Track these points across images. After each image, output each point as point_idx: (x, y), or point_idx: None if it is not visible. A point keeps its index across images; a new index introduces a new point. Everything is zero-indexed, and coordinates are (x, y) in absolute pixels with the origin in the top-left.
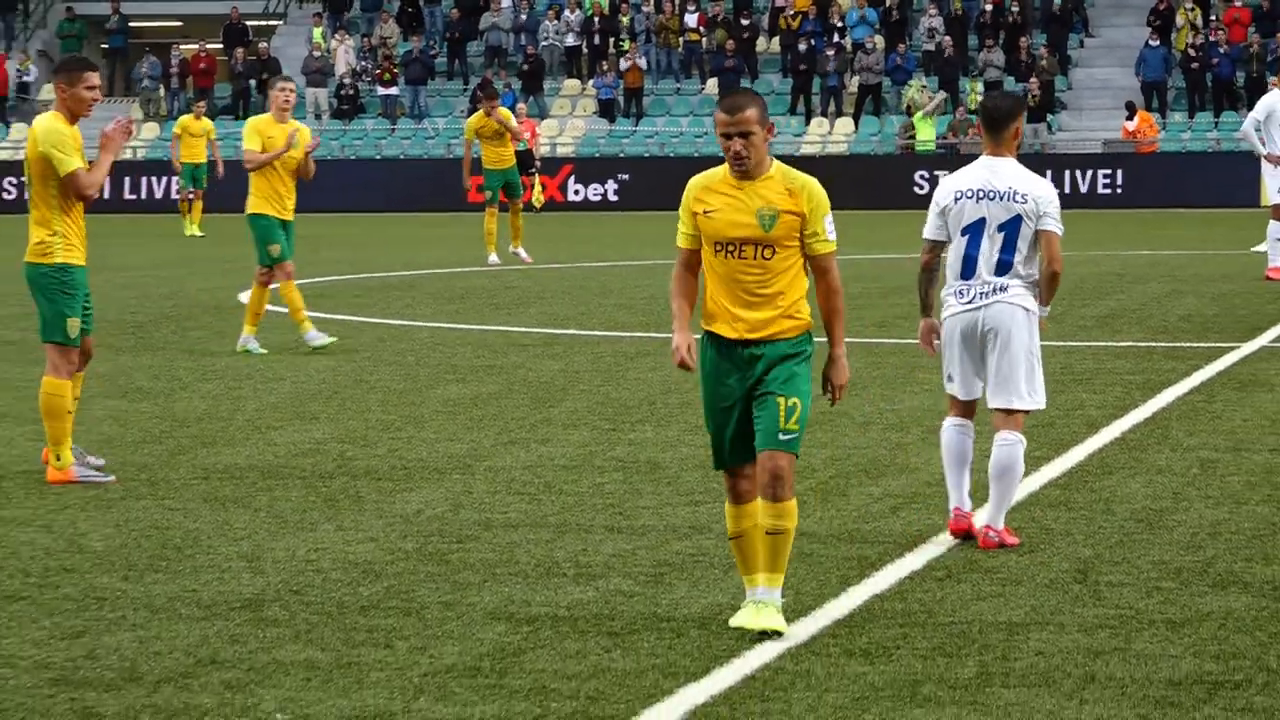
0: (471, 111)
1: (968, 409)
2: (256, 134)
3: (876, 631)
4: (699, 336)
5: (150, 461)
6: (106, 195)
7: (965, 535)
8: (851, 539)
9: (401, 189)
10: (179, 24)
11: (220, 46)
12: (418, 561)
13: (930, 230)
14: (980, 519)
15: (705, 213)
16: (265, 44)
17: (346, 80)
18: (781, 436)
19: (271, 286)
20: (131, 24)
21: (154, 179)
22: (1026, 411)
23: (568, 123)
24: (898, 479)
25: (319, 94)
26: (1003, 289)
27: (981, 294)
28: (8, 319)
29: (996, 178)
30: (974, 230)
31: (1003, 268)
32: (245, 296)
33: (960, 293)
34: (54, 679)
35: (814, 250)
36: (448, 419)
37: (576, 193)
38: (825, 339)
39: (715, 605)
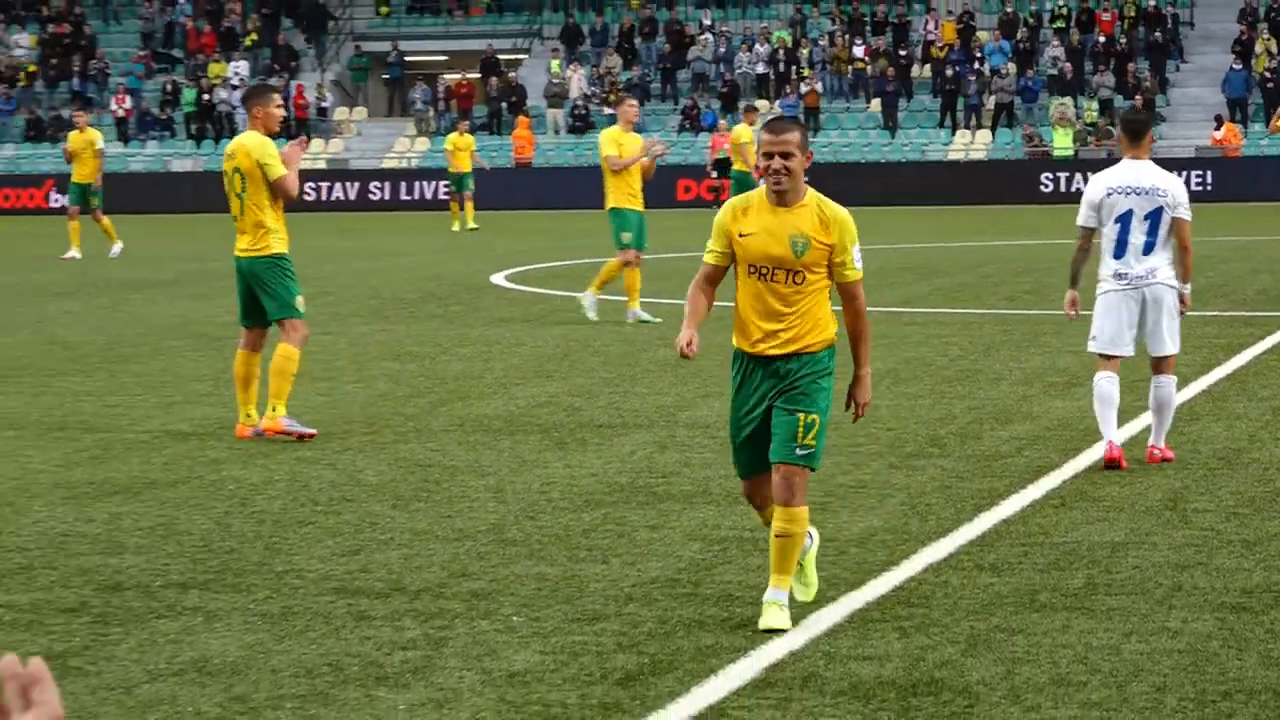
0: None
1: (1115, 364)
2: (613, 142)
3: (1002, 550)
4: (731, 350)
5: (416, 412)
6: (386, 197)
7: (1116, 465)
8: (984, 474)
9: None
10: (445, 58)
11: (478, 75)
12: (629, 493)
13: (1084, 219)
14: (1118, 443)
15: (742, 235)
16: (513, 73)
17: (579, 102)
18: (798, 451)
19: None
20: (406, 58)
21: (424, 183)
22: (1174, 357)
23: (759, 135)
24: (1023, 424)
25: (557, 114)
26: (1154, 270)
27: (1139, 275)
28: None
29: (1141, 176)
30: (1124, 219)
31: (1148, 249)
32: (500, 278)
33: (1119, 274)
34: (334, 588)
35: (843, 278)
36: (656, 377)
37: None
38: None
39: (870, 528)
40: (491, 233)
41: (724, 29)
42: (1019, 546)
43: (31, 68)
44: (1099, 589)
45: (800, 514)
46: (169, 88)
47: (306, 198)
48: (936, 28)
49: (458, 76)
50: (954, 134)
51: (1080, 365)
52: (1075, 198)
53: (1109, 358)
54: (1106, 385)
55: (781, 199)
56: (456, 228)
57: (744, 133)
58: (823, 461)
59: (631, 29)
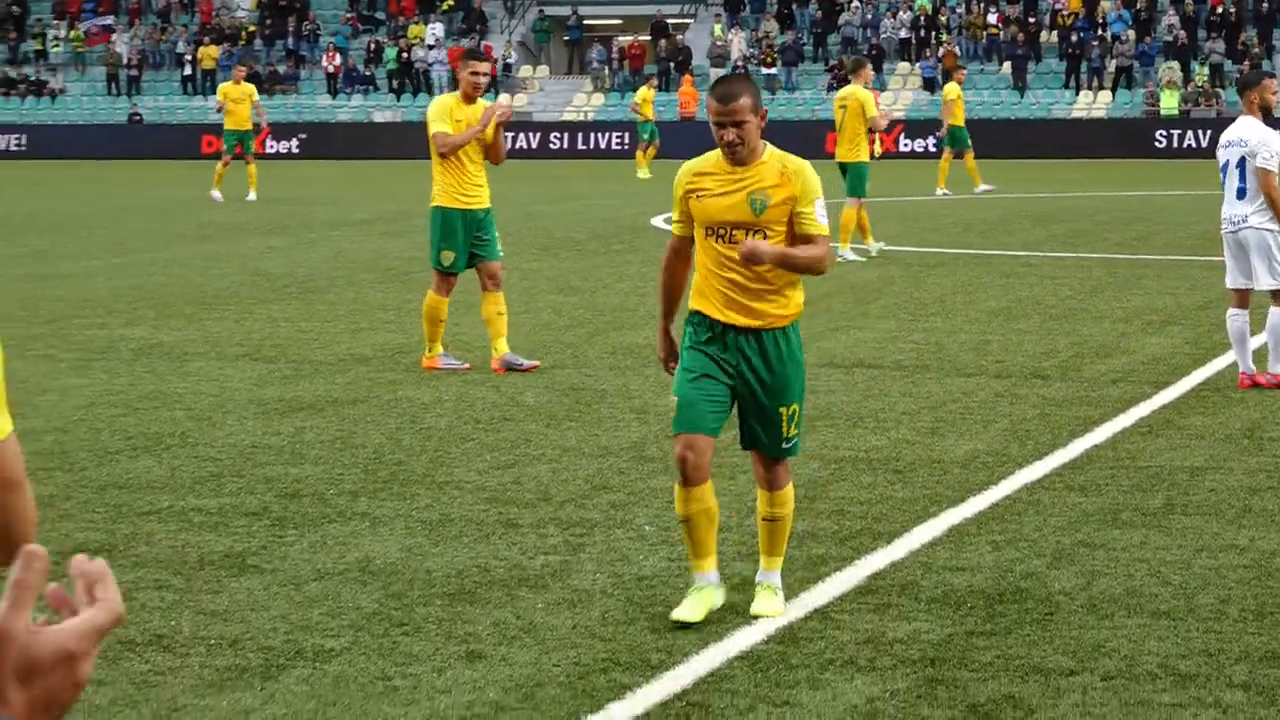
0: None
1: (1241, 299)
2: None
3: (1092, 472)
4: (685, 319)
5: (574, 340)
6: (564, 146)
7: (1252, 386)
8: (1081, 403)
9: (779, 142)
10: (619, 21)
11: (649, 38)
12: (729, 424)
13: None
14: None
15: (697, 195)
16: (680, 36)
17: (739, 63)
18: (784, 445)
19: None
20: (585, 21)
21: (599, 135)
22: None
23: (900, 94)
24: (1120, 358)
25: (718, 73)
26: (1245, 216)
27: (1231, 219)
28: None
29: (1235, 130)
30: (1224, 169)
31: (1239, 194)
32: (660, 220)
33: (1223, 218)
34: (488, 498)
35: (803, 230)
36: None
37: (906, 146)
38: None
39: (974, 451)
40: (657, 179)
41: None
42: (1107, 469)
43: (251, 28)
44: (1176, 509)
45: (787, 494)
46: (372, 46)
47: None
48: None
49: (630, 38)
50: (1077, 94)
51: (1176, 306)
52: (1186, 153)
53: (1235, 292)
54: (1230, 322)
55: (737, 160)
56: (642, 175)
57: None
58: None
59: None
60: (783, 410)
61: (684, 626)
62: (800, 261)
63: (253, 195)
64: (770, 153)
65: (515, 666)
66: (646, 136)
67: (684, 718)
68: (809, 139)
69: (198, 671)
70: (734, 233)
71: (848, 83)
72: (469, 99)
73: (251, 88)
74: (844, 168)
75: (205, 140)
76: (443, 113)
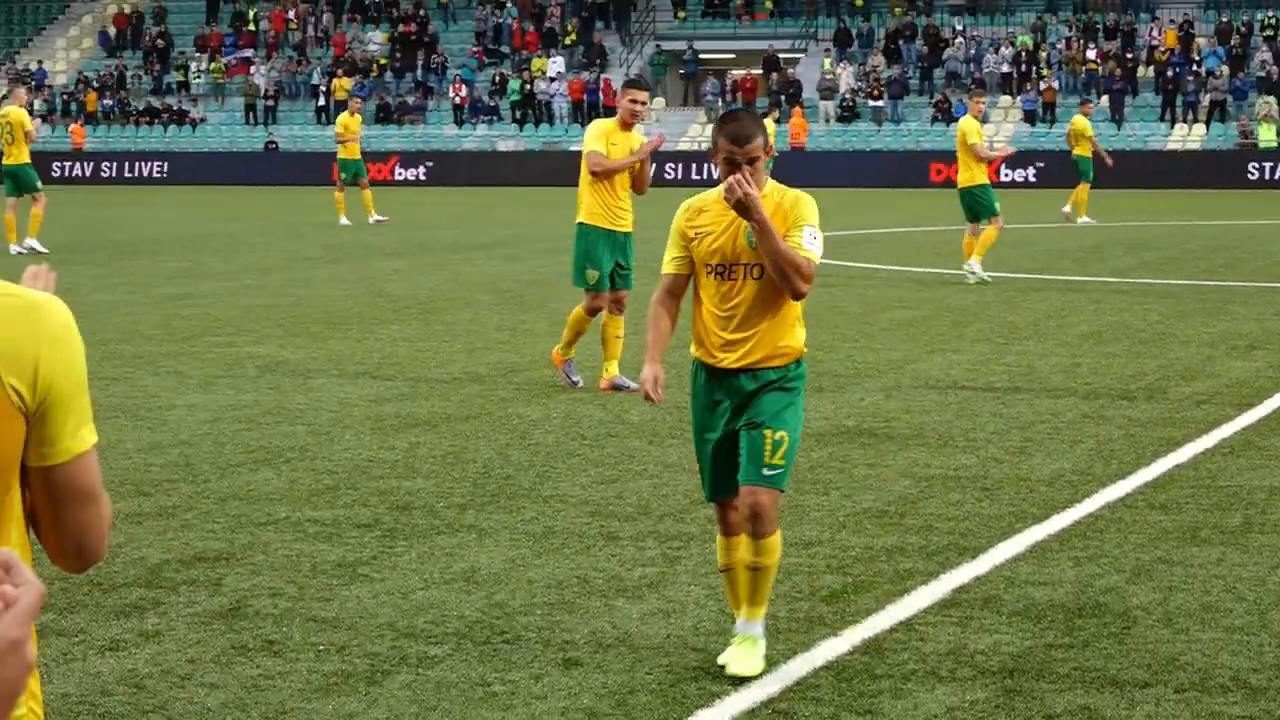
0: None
1: None
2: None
3: (1173, 491)
4: (690, 363)
5: (678, 360)
6: (679, 176)
7: None
8: (1165, 424)
9: (885, 172)
10: (733, 55)
11: (761, 71)
12: (854, 434)
13: None
14: None
15: (697, 234)
16: (791, 70)
17: (847, 95)
18: (765, 471)
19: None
20: (700, 55)
21: (713, 165)
22: None
23: (1001, 126)
24: (1205, 381)
25: (827, 105)
26: None
27: None
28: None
29: None
30: None
31: None
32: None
33: None
34: (591, 511)
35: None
36: (889, 334)
37: (1006, 175)
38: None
39: (1059, 469)
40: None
41: (974, 33)
42: (1188, 489)
43: (382, 60)
44: (1254, 527)
45: (771, 544)
46: (497, 79)
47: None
48: (1160, 34)
49: (743, 72)
50: (1172, 127)
51: (1261, 331)
52: (1279, 185)
53: None
54: None
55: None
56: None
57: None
58: (798, 483)
59: (895, 32)
60: (768, 433)
61: (743, 680)
62: (779, 246)
63: (376, 217)
64: (770, 186)
65: (610, 674)
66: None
67: None
68: (914, 169)
69: (306, 676)
70: (733, 269)
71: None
72: (626, 125)
73: (359, 118)
74: (960, 194)
75: (337, 167)
76: (600, 135)
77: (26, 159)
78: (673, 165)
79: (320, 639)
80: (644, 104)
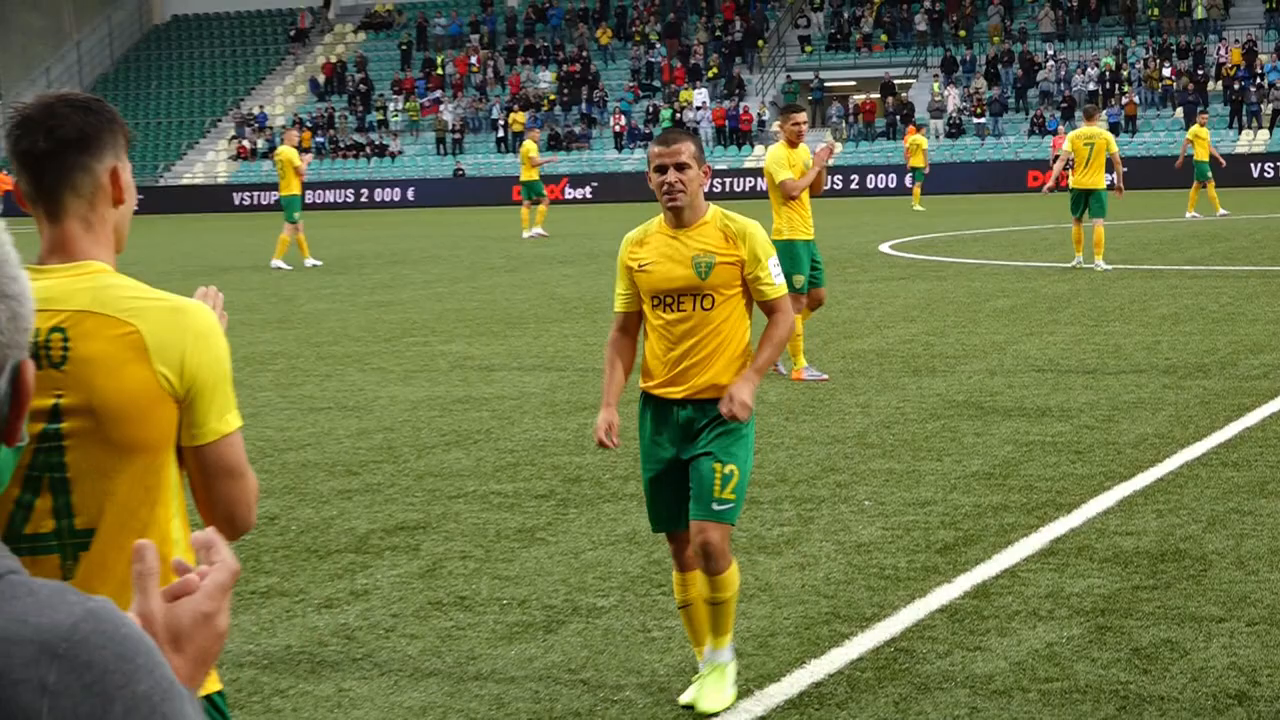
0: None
1: None
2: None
3: (1243, 450)
4: (637, 397)
5: (811, 347)
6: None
7: None
8: (1236, 393)
9: (987, 179)
10: (854, 82)
11: (878, 95)
12: (963, 407)
13: None
14: None
15: (641, 266)
16: (905, 94)
17: (954, 114)
18: (715, 506)
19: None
20: (825, 83)
21: (842, 177)
22: None
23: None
24: (1271, 354)
25: (937, 124)
26: None
27: None
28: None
29: None
30: None
31: None
32: (886, 247)
33: None
34: None
35: (762, 296)
36: (993, 320)
37: None
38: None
39: (1143, 434)
40: (881, 212)
41: (1063, 57)
42: (1256, 448)
43: (551, 96)
44: None
45: (727, 579)
46: (650, 109)
47: (760, 187)
48: (1226, 53)
49: (863, 97)
50: (1239, 133)
51: None
52: None
53: None
54: None
55: (679, 218)
56: (919, 207)
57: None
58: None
59: (994, 59)
60: (717, 467)
61: (869, 621)
62: (771, 350)
63: (538, 230)
64: (714, 213)
65: (753, 619)
66: (918, 176)
67: (892, 661)
68: (1011, 176)
69: (492, 626)
70: (681, 300)
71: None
72: (793, 144)
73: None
74: (1088, 194)
75: (515, 190)
76: (782, 161)
77: (296, 190)
78: None
79: (504, 594)
80: (804, 123)
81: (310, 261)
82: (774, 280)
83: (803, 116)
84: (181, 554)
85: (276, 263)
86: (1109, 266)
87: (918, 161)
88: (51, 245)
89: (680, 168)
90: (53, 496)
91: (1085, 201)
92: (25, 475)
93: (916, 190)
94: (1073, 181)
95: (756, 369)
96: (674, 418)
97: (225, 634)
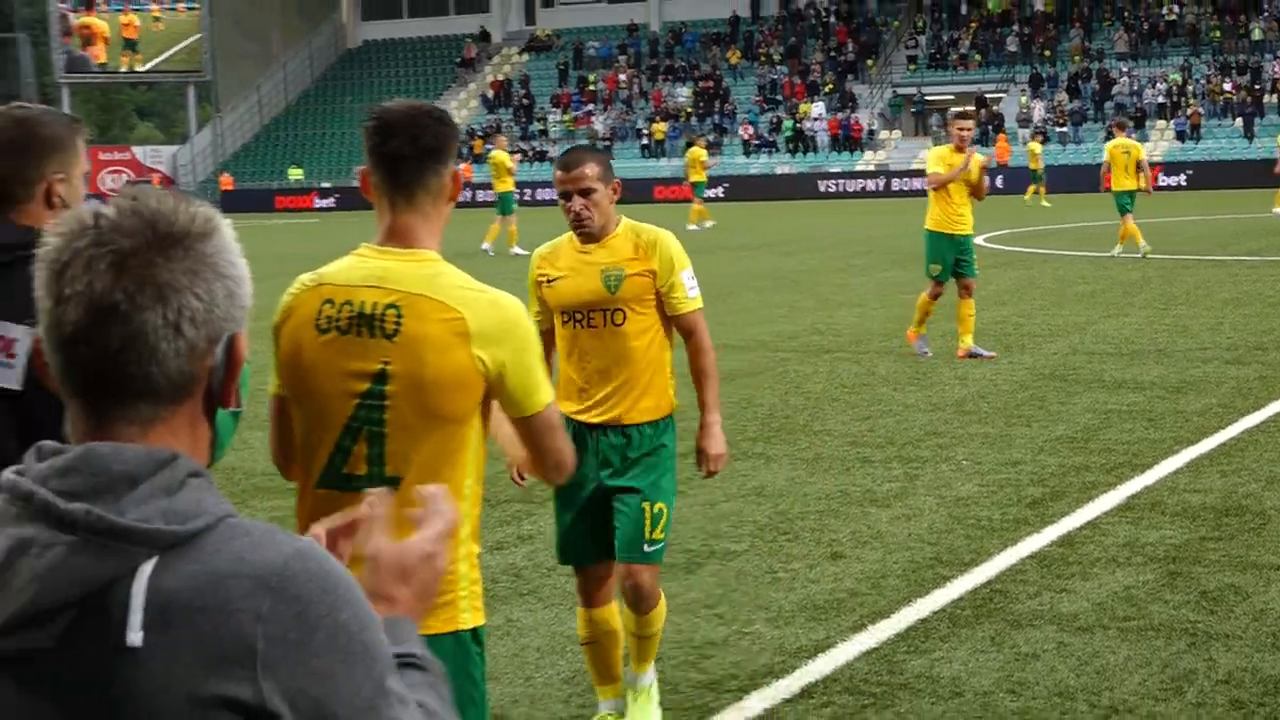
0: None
1: None
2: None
3: None
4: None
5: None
6: (909, 188)
7: None
8: None
9: (1068, 182)
10: (951, 96)
11: (973, 107)
12: (1049, 379)
13: None
14: None
15: (549, 281)
16: (996, 106)
17: (1039, 124)
18: (646, 548)
19: None
20: (927, 97)
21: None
22: None
23: (1159, 144)
24: None
25: (1024, 133)
26: None
27: None
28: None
29: None
30: None
31: None
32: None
33: None
34: (850, 442)
35: (676, 309)
36: (1075, 303)
37: (1164, 182)
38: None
39: (1209, 404)
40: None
41: (1136, 73)
42: None
43: (689, 109)
44: None
45: (657, 614)
46: (774, 120)
47: (868, 187)
48: None
49: (959, 109)
50: None
51: None
52: None
53: None
54: None
55: (589, 238)
56: (1029, 200)
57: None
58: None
59: (1075, 75)
60: (645, 506)
61: (970, 564)
62: (714, 387)
63: (697, 225)
64: (625, 225)
65: (866, 563)
66: (1036, 178)
67: (988, 601)
68: (1090, 177)
69: None
70: (591, 315)
71: (1112, 136)
72: (959, 149)
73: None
74: (1131, 195)
75: (656, 190)
76: (937, 158)
77: (510, 187)
78: (904, 181)
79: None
80: (970, 129)
81: (516, 250)
82: (688, 293)
83: (968, 123)
84: (470, 508)
85: (486, 245)
86: (1124, 253)
87: (1035, 165)
88: (390, 231)
89: (585, 193)
90: (368, 445)
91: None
92: (346, 425)
93: (1039, 189)
94: (1114, 185)
95: (710, 408)
96: (593, 445)
97: (443, 572)
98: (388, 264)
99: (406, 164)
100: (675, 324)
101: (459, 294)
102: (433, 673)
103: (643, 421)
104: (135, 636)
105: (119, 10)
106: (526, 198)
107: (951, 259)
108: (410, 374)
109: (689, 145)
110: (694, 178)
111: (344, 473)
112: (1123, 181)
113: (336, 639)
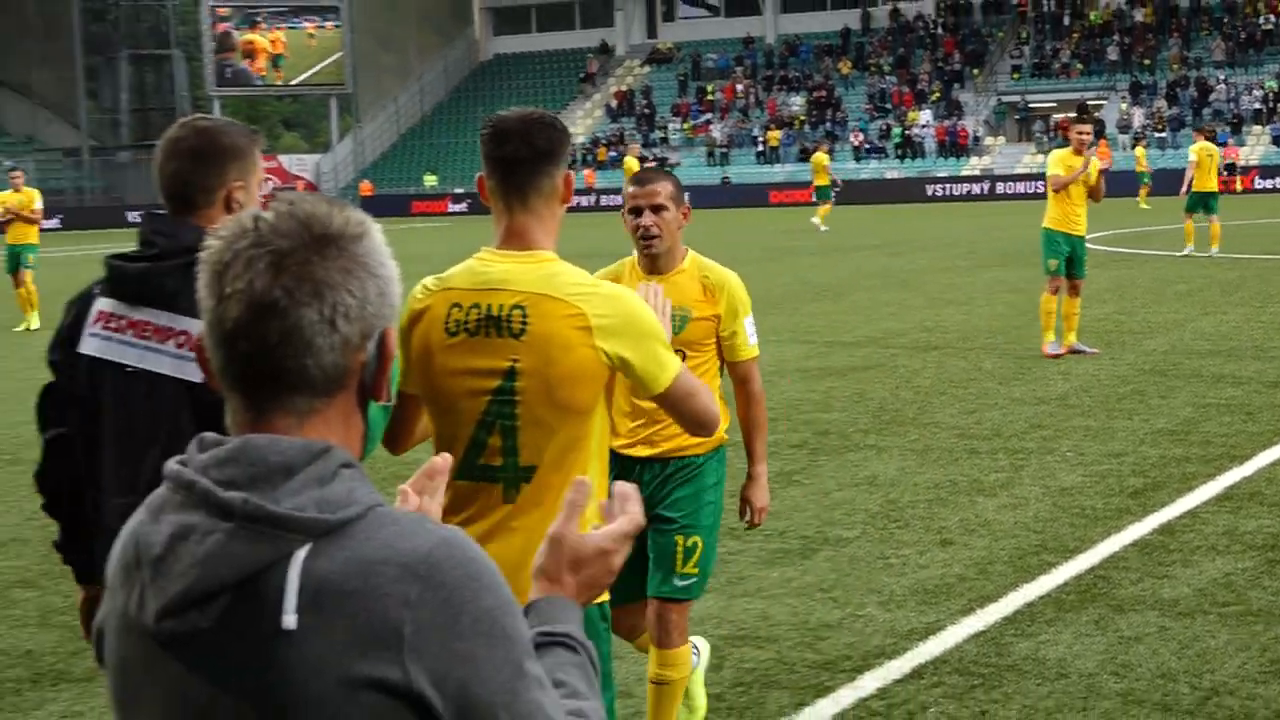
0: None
1: None
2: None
3: None
4: None
5: (1021, 324)
6: (1014, 190)
7: None
8: None
9: (1166, 184)
10: (1054, 104)
11: (1074, 114)
12: (1150, 374)
13: None
14: None
15: None
16: (1098, 112)
17: (1138, 129)
18: (678, 582)
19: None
20: (1030, 104)
21: (1026, 184)
22: None
23: (1255, 148)
24: None
25: (1124, 137)
26: None
27: None
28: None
29: None
30: None
31: None
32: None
33: None
34: (958, 434)
35: (734, 356)
36: (1174, 301)
37: (1260, 185)
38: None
39: None
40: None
41: (1232, 81)
42: None
43: (802, 118)
44: None
45: (679, 655)
46: (884, 127)
47: (973, 191)
48: None
49: (1062, 115)
50: None
51: None
52: None
53: None
54: None
55: (654, 264)
56: (1144, 204)
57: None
58: (708, 586)
59: (1173, 83)
60: (679, 539)
61: (1071, 552)
62: (764, 438)
63: (819, 222)
64: (691, 261)
65: (974, 550)
66: (1142, 179)
67: (1091, 587)
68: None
69: (756, 553)
70: None
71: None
72: (1078, 151)
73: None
74: (1207, 195)
75: (770, 194)
76: (1058, 161)
77: None
78: (1010, 185)
79: (766, 527)
80: (1088, 133)
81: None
82: (749, 340)
83: (1087, 127)
84: (597, 491)
85: None
86: (1221, 254)
87: (1142, 168)
88: (508, 233)
89: (656, 210)
90: (502, 438)
91: (1204, 202)
92: (480, 420)
93: (1143, 192)
94: (1195, 186)
95: (758, 459)
96: (638, 477)
97: (616, 571)
98: (508, 266)
99: (521, 167)
100: (730, 370)
101: (578, 290)
102: (584, 654)
103: (686, 455)
104: (290, 619)
105: (277, 27)
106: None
107: (1065, 257)
108: (538, 370)
109: (810, 152)
110: (818, 182)
111: (480, 464)
112: (1205, 183)
113: (479, 623)
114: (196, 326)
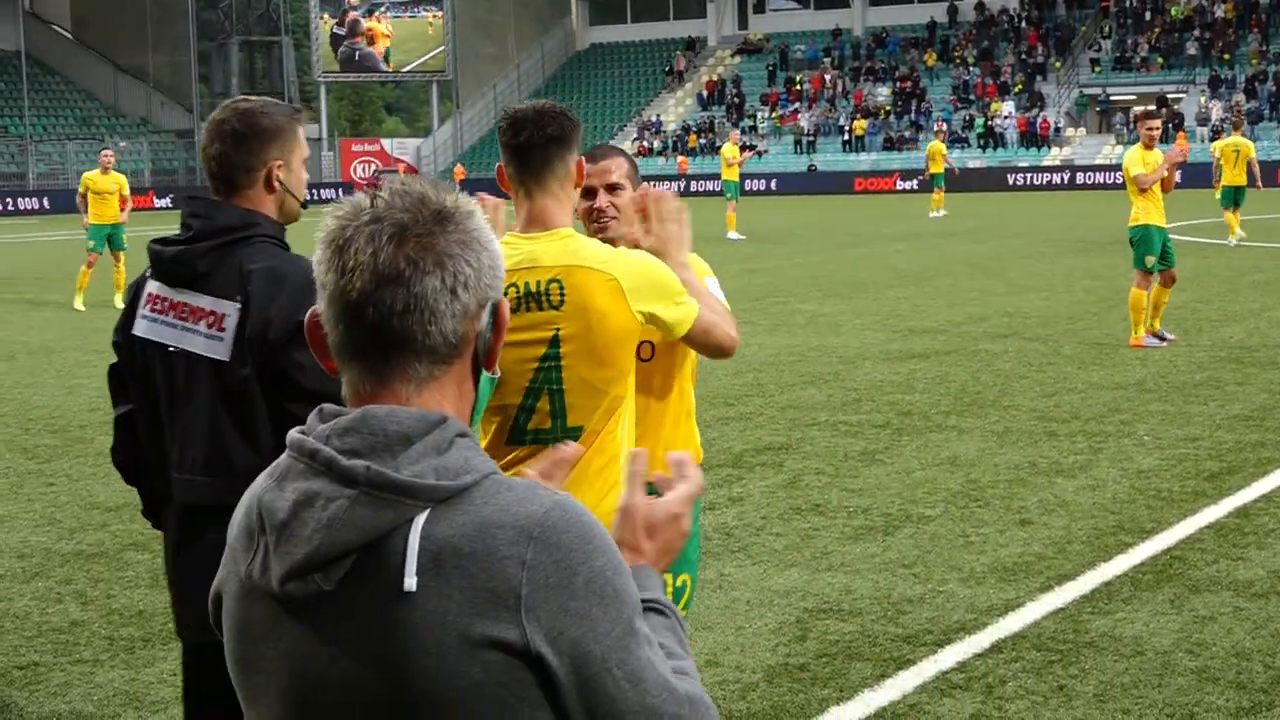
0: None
1: None
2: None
3: None
4: None
5: (1098, 310)
6: (1089, 181)
7: None
8: None
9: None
10: (1134, 96)
11: (1154, 107)
12: (1226, 361)
13: None
14: None
15: None
16: (1177, 106)
17: (1217, 122)
18: None
19: None
20: (1111, 97)
21: (1105, 174)
22: None
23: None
24: None
25: (1203, 130)
26: None
27: None
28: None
29: None
30: None
31: None
32: None
33: None
34: (1037, 416)
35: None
36: (1250, 290)
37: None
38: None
39: None
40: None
41: None
42: None
43: (887, 108)
44: None
45: None
46: (967, 118)
47: (1054, 181)
48: None
49: (1142, 108)
50: None
51: None
52: None
53: None
54: None
55: (607, 240)
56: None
57: None
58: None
59: (1252, 77)
60: (669, 579)
61: (1148, 533)
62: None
63: (940, 212)
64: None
65: (1052, 530)
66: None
67: (1167, 567)
68: (1266, 173)
69: (840, 529)
70: None
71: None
72: (1149, 147)
73: (942, 146)
74: (1236, 189)
75: (856, 182)
76: (1137, 159)
77: (735, 177)
78: (1090, 175)
79: (850, 503)
80: (1157, 128)
81: (732, 235)
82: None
83: (1156, 123)
84: (628, 447)
85: (732, 234)
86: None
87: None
88: (531, 217)
89: (611, 189)
90: (550, 402)
91: (1235, 196)
92: (528, 388)
93: (1219, 184)
94: (1225, 180)
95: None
96: None
97: (688, 533)
98: (535, 246)
99: (536, 152)
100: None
101: (604, 257)
102: (673, 618)
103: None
104: (411, 581)
105: (392, 16)
106: (719, 190)
107: (1160, 249)
108: (581, 335)
109: (897, 142)
110: (934, 169)
111: (530, 428)
112: (1233, 177)
113: (592, 583)
114: (225, 307)
